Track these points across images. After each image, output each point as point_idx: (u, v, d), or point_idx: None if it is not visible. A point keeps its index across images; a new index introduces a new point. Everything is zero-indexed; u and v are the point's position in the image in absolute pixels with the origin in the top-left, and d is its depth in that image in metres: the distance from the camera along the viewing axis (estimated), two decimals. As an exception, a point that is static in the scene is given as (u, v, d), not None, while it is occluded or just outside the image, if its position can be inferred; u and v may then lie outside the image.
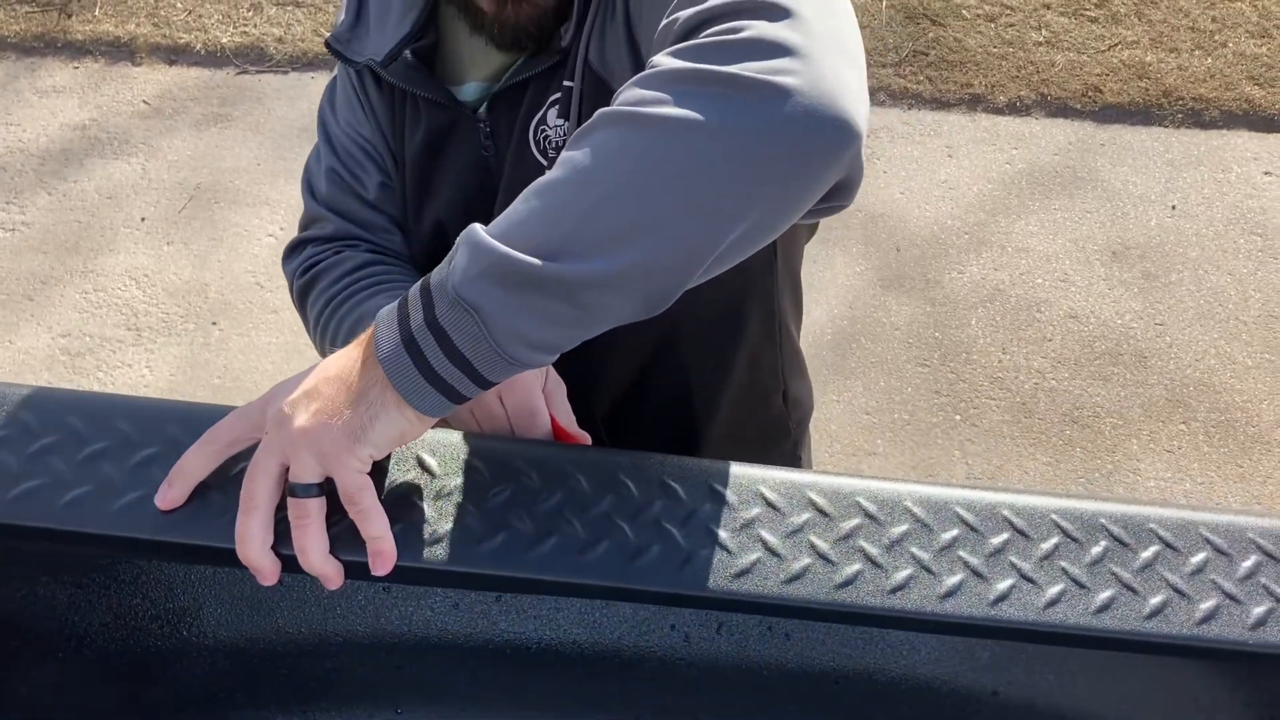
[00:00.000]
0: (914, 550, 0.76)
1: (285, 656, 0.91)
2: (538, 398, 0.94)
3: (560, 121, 1.01)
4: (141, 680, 0.94)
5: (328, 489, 0.72)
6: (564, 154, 0.70)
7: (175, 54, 3.77)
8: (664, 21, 0.78)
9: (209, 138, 3.49)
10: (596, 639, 0.88)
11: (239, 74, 3.72)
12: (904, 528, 0.77)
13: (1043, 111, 3.72)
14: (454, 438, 0.82)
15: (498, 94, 1.04)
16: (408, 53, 1.05)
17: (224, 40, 3.80)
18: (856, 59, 0.72)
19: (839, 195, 0.73)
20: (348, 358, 0.73)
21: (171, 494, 0.74)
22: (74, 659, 0.93)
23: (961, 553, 0.76)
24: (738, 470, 0.80)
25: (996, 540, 0.77)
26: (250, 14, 3.91)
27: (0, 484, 0.76)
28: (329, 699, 0.95)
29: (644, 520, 0.76)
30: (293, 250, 1.18)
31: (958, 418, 2.81)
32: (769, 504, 0.77)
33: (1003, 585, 0.74)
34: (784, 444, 1.32)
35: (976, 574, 0.75)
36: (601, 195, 0.67)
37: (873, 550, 0.75)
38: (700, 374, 1.18)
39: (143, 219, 3.22)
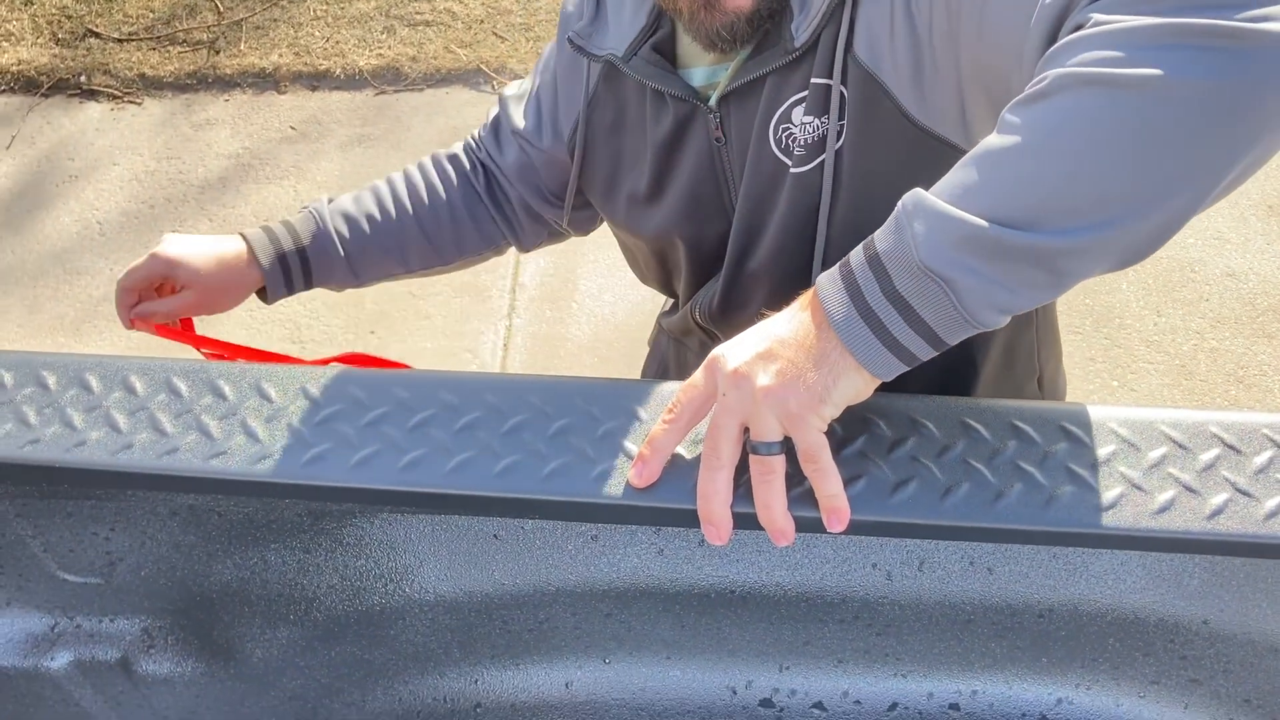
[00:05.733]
0: (1172, 472, 0.76)
1: (500, 609, 0.96)
2: None
3: (809, 119, 1.00)
4: (365, 641, 1.00)
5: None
6: (1014, 119, 0.70)
7: (317, 80, 3.93)
8: None
9: (353, 157, 3.63)
10: (799, 580, 0.90)
11: (377, 95, 3.86)
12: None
13: (1184, 68, 3.60)
14: None
15: (729, 91, 1.04)
16: (648, 46, 1.08)
17: (361, 64, 3.95)
18: None
19: None
20: (796, 321, 0.74)
21: (649, 470, 0.76)
22: (304, 621, 0.99)
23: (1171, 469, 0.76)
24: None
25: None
26: (384, 36, 4.05)
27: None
28: (540, 651, 0.99)
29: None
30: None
31: (1115, 383, 2.74)
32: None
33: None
34: None
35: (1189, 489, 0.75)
36: (1087, 161, 0.66)
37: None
38: (952, 361, 1.11)
39: (297, 238, 3.37)
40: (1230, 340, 2.81)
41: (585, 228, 1.37)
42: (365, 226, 1.29)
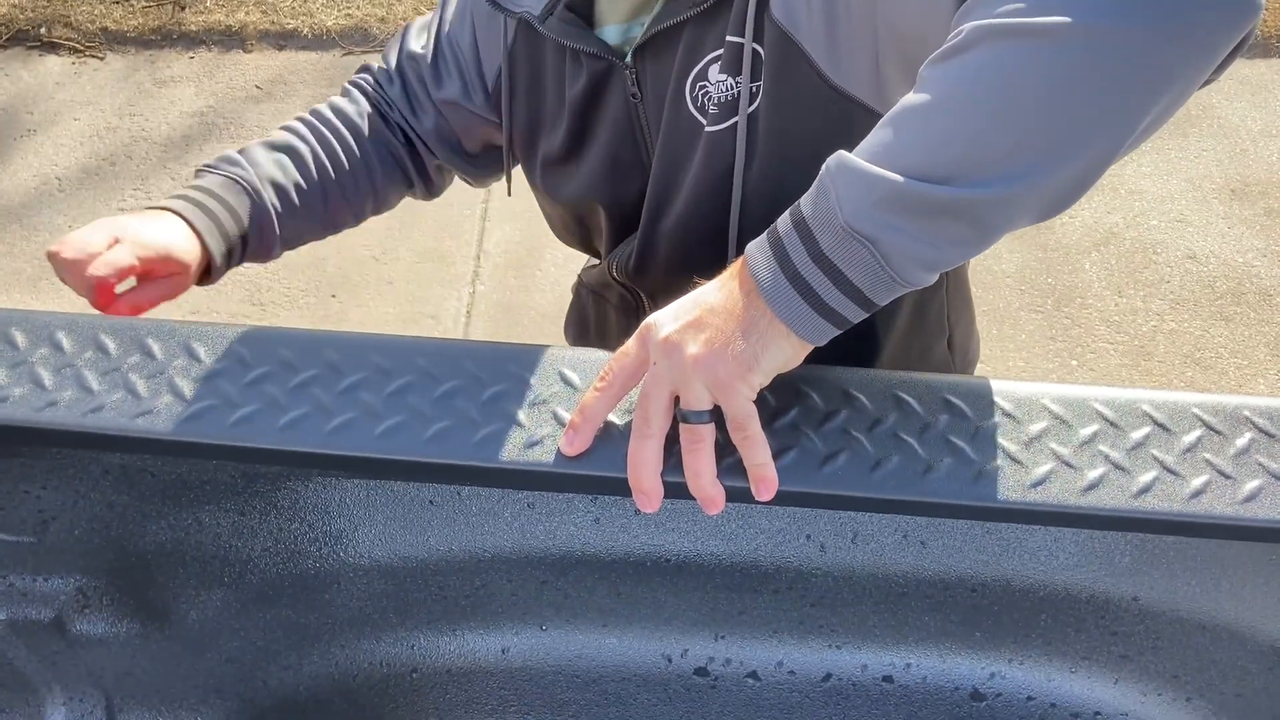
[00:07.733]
0: (1102, 449, 0.76)
1: (436, 575, 0.95)
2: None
3: (724, 78, 0.99)
4: (301, 605, 0.99)
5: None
6: (930, 74, 0.70)
7: (284, 39, 3.88)
8: None
9: (319, 118, 3.59)
10: (734, 550, 0.90)
11: (345, 55, 3.82)
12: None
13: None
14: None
15: (644, 42, 1.03)
16: (563, 5, 1.06)
17: (329, 24, 3.90)
18: None
19: (1225, 66, 0.71)
20: (726, 289, 0.73)
21: (580, 439, 0.76)
22: (239, 583, 0.98)
23: (1102, 447, 0.76)
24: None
25: (1137, 435, 0.77)
26: (353, -4, 4.01)
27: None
28: (478, 617, 0.99)
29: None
30: (359, 72, 1.28)
31: (1074, 363, 2.76)
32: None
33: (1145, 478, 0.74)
34: None
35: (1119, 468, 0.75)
36: (1000, 113, 0.66)
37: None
38: (861, 322, 1.12)
39: (260, 199, 3.33)
40: (1189, 322, 2.83)
41: (489, 180, 1.34)
42: (295, 199, 1.20)
